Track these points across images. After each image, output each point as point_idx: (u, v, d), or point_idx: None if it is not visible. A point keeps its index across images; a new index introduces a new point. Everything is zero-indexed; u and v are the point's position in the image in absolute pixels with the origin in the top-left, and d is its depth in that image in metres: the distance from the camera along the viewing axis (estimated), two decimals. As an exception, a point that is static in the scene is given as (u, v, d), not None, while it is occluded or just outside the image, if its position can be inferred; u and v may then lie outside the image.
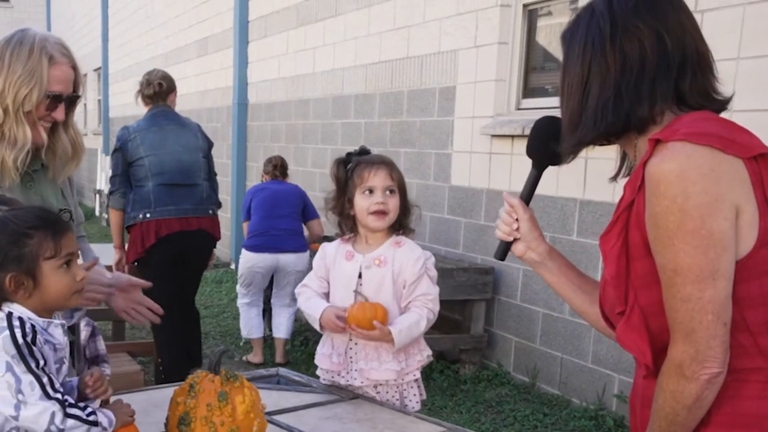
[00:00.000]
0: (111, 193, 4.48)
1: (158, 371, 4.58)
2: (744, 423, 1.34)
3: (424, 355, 2.38)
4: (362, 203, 2.30)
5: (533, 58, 5.06)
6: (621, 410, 4.23)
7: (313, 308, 2.34)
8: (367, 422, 2.14)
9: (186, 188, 4.41)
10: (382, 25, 6.25)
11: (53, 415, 1.50)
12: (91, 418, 1.54)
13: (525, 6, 4.97)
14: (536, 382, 4.85)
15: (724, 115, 1.45)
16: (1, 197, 1.74)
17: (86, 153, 2.22)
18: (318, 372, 2.44)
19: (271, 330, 5.75)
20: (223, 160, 9.05)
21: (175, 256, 4.42)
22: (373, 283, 2.31)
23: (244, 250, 5.46)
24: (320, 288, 2.40)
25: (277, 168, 5.59)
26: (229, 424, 1.72)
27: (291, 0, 7.88)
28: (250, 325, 5.49)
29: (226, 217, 8.57)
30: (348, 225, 2.37)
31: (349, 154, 2.39)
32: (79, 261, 1.85)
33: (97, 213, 14.20)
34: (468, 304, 5.09)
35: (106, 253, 6.07)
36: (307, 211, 5.49)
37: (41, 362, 1.52)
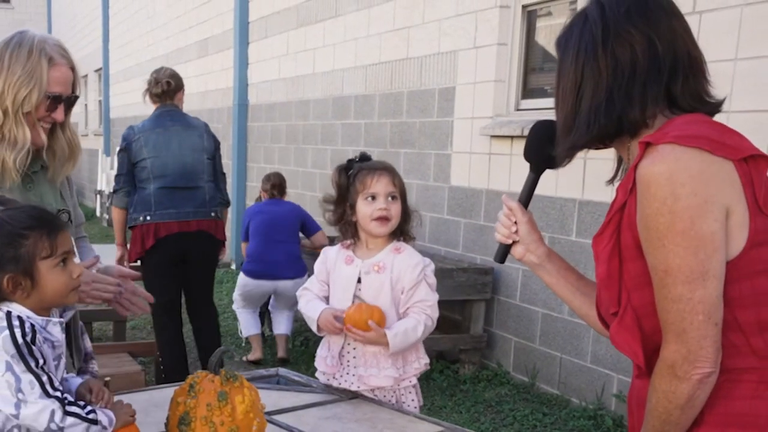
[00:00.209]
0: (115, 191, 4.52)
1: (159, 370, 4.60)
2: (737, 423, 1.36)
3: (421, 362, 2.39)
4: (365, 210, 2.31)
5: (532, 59, 5.07)
6: (620, 410, 4.24)
7: (311, 310, 2.36)
8: (367, 422, 2.16)
9: (188, 191, 4.43)
10: (382, 26, 6.27)
11: (53, 413, 1.52)
12: (90, 416, 1.56)
13: (524, 7, 4.98)
14: (535, 381, 4.86)
15: (721, 115, 1.47)
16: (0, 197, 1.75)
17: (83, 153, 2.23)
18: (317, 374, 2.46)
19: (271, 330, 5.78)
20: (223, 160, 9.03)
21: (174, 257, 4.44)
22: (371, 288, 2.32)
23: (242, 274, 5.53)
24: (321, 291, 2.41)
25: (275, 187, 5.61)
26: (228, 424, 1.74)
27: (291, 1, 7.89)
28: (247, 324, 5.55)
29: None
30: (349, 231, 2.38)
31: (350, 161, 2.40)
32: (76, 259, 1.86)
33: (98, 213, 14.22)
34: (467, 304, 5.11)
35: (108, 254, 6.08)
36: (307, 228, 5.53)
37: (40, 361, 1.54)
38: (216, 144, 4.63)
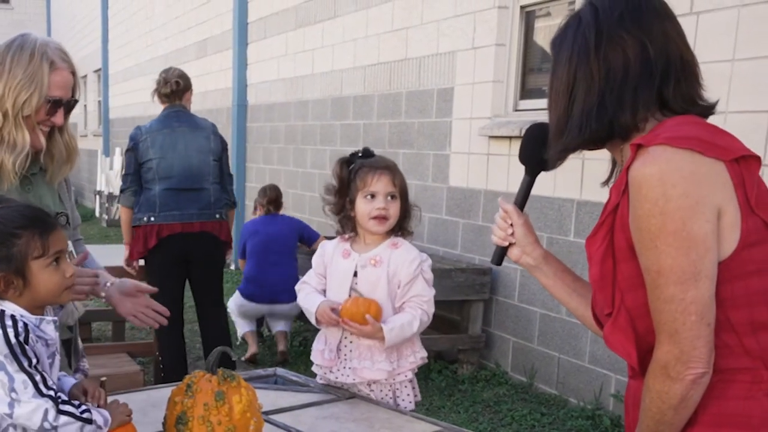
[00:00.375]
0: (122, 191, 4.55)
1: (159, 370, 4.61)
2: (730, 423, 1.36)
3: (417, 356, 2.40)
4: (363, 207, 2.32)
5: (530, 59, 5.07)
6: (618, 410, 4.25)
7: (310, 303, 2.38)
8: (364, 422, 2.16)
9: (192, 192, 4.45)
10: (381, 26, 6.28)
11: (46, 412, 1.52)
12: (85, 415, 1.57)
13: (522, 8, 4.99)
14: (534, 381, 4.87)
15: (718, 116, 1.48)
16: None
17: (82, 154, 2.24)
18: (313, 368, 2.46)
19: (270, 330, 5.80)
20: (222, 161, 9.06)
21: (177, 258, 4.46)
22: (368, 282, 2.33)
23: (238, 293, 5.55)
24: (319, 285, 2.43)
25: (271, 203, 5.63)
26: (226, 424, 1.74)
27: (290, 2, 7.90)
28: (242, 322, 5.58)
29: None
30: (348, 225, 2.39)
31: (353, 155, 2.41)
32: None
33: (97, 214, 14.22)
34: (466, 304, 5.11)
35: (107, 254, 6.10)
36: (306, 239, 5.56)
37: (34, 360, 1.54)
38: (223, 145, 4.65)
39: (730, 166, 1.32)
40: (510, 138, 4.86)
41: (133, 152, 4.45)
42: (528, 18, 5.03)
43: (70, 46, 2.10)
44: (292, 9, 7.88)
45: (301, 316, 5.11)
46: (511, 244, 1.74)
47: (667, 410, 1.35)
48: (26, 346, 1.55)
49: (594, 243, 1.44)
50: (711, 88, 1.48)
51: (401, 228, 2.39)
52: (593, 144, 1.48)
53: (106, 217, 13.16)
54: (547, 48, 4.97)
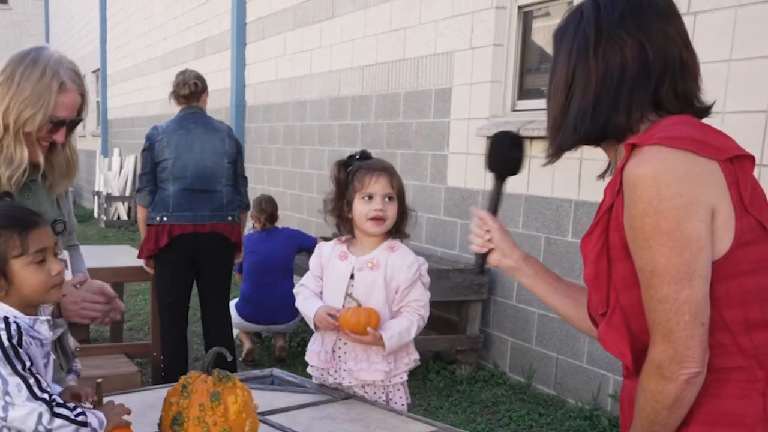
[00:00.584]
0: (138, 191, 4.58)
1: (159, 369, 4.61)
2: (724, 422, 1.36)
3: (411, 358, 2.40)
4: (361, 209, 2.32)
5: (528, 59, 5.08)
6: (616, 410, 4.25)
7: (308, 308, 2.38)
8: (360, 422, 2.16)
9: (205, 194, 4.47)
10: (379, 26, 6.28)
11: (40, 415, 1.52)
12: (79, 418, 1.56)
13: (520, 8, 4.99)
14: (532, 382, 4.87)
15: (716, 116, 1.48)
16: None
17: (81, 154, 2.24)
18: (309, 370, 2.46)
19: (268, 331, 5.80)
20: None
21: (187, 256, 4.48)
22: (364, 285, 2.33)
23: (236, 311, 5.52)
24: (317, 288, 2.43)
25: (268, 219, 5.63)
26: (221, 424, 1.74)
27: (288, 2, 7.90)
28: (237, 321, 5.57)
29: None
30: (345, 227, 2.40)
31: (350, 157, 2.41)
32: (68, 273, 1.85)
33: (95, 215, 14.21)
34: (464, 304, 5.11)
35: (106, 254, 6.12)
36: (307, 248, 5.52)
37: (27, 363, 1.54)
38: (238, 148, 4.70)
39: (724, 166, 1.32)
40: (508, 138, 4.85)
41: (149, 152, 4.48)
42: (526, 18, 5.03)
43: (68, 46, 2.10)
44: (290, 9, 7.88)
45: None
46: (490, 250, 1.76)
47: (661, 410, 1.35)
48: (20, 349, 1.54)
49: (589, 243, 1.44)
50: (708, 88, 1.48)
51: (398, 230, 2.39)
52: (588, 143, 1.49)
53: (105, 217, 13.16)
54: (545, 48, 4.99)
